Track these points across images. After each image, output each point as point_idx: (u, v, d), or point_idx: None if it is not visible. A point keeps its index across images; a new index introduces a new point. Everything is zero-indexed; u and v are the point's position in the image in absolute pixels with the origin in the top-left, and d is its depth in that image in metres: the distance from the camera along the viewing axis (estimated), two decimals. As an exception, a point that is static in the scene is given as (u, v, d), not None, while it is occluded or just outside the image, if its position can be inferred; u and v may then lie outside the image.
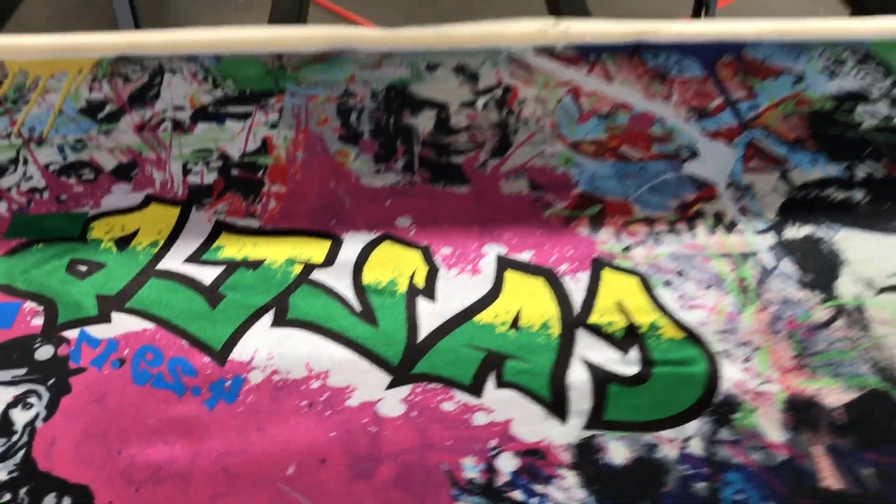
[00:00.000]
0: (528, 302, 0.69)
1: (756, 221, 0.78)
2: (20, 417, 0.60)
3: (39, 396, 0.61)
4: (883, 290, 0.71)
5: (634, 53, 0.99)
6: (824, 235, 0.76)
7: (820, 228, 0.77)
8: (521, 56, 0.99)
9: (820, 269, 0.73)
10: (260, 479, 0.57)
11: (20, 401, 0.61)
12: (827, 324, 0.68)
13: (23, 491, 0.56)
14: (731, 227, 0.77)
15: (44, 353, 0.64)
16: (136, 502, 0.55)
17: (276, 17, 1.61)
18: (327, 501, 0.56)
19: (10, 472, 0.57)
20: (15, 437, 0.59)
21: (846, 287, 0.72)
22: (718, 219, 0.78)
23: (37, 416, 0.60)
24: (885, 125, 0.90)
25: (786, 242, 0.76)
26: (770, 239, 0.76)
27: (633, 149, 0.86)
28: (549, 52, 1.00)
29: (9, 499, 0.55)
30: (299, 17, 1.67)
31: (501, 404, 0.62)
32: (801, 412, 0.61)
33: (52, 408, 0.61)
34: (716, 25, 1.03)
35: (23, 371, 0.63)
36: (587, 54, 0.99)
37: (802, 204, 0.80)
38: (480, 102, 0.92)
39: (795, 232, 0.77)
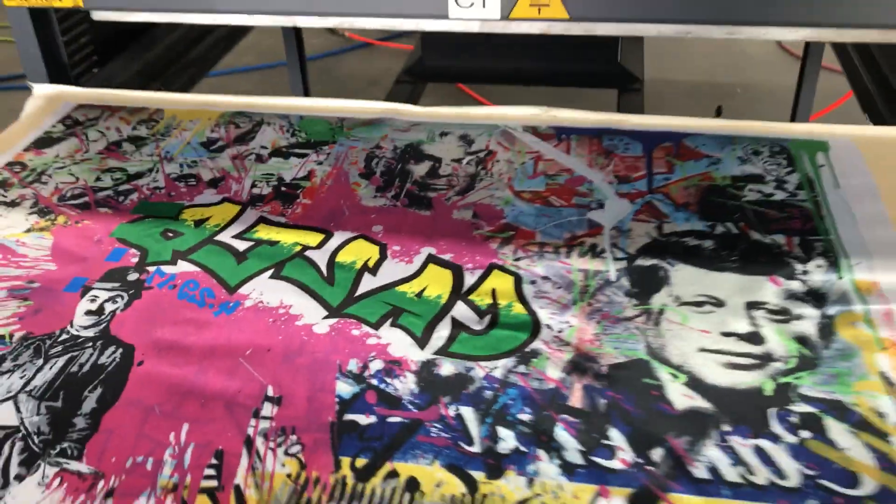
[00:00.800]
0: (435, 283, 1.03)
1: (619, 253, 1.08)
2: (109, 308, 1.01)
3: (123, 298, 1.02)
4: (684, 304, 0.99)
5: (596, 136, 1.32)
6: (664, 267, 1.05)
7: (663, 262, 1.06)
8: (512, 130, 1.35)
9: (646, 286, 1.02)
10: (229, 353, 0.93)
11: (112, 299, 1.02)
12: (630, 318, 0.97)
13: (99, 342, 0.96)
14: (598, 254, 1.07)
15: (132, 276, 1.05)
16: (155, 357, 0.93)
17: (391, 98, 2.05)
18: (264, 371, 0.91)
19: (96, 333, 0.98)
20: (104, 316, 1.00)
21: (659, 299, 1.00)
22: (592, 248, 1.09)
23: (118, 307, 1.01)
24: (764, 199, 1.17)
25: (632, 268, 1.05)
26: (622, 265, 1.05)
27: (559, 199, 1.18)
28: (533, 129, 1.35)
29: (91, 344, 0.96)
30: (412, 100, 2.09)
31: (388, 335, 0.95)
32: (578, 364, 0.91)
33: (127, 305, 1.01)
34: (666, 119, 1.35)
35: (118, 284, 1.04)
36: (560, 133, 1.33)
37: (661, 246, 1.09)
38: (466, 160, 1.28)
39: (643, 262, 1.06)
